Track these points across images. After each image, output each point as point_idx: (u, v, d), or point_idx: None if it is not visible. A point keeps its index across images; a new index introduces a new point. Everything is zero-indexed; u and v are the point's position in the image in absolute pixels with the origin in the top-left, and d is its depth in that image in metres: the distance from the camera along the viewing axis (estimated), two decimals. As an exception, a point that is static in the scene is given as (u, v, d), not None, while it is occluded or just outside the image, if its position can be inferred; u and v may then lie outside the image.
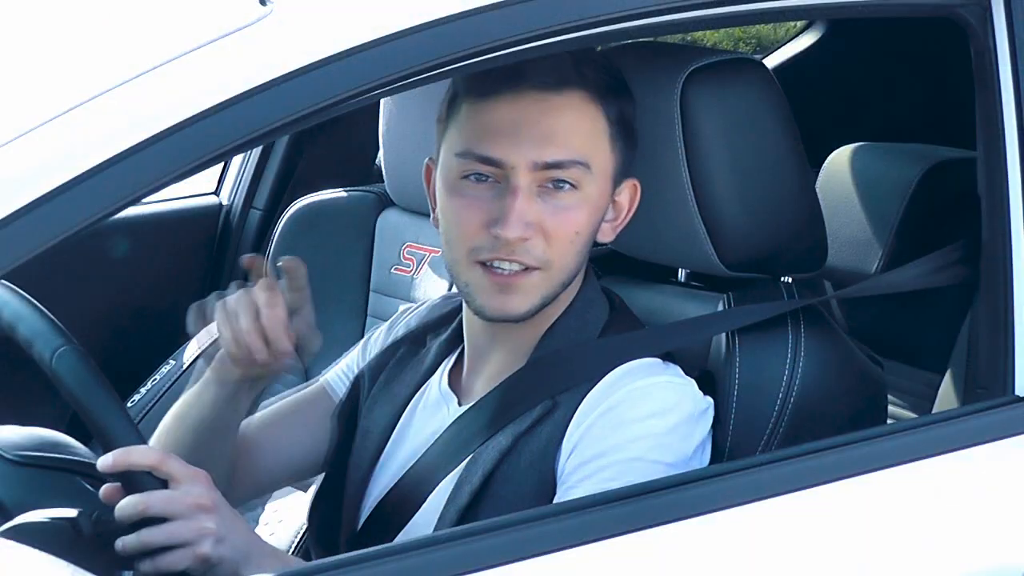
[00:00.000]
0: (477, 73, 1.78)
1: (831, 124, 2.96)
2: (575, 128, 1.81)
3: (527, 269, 1.81)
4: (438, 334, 2.01)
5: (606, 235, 1.89)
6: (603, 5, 1.66)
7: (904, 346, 2.50)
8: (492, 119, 1.80)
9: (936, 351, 2.41)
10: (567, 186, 1.81)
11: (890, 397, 2.08)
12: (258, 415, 2.07)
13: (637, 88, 1.89)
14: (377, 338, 2.09)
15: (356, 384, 2.04)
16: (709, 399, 1.84)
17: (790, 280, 1.98)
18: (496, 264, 1.80)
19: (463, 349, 1.96)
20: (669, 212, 1.93)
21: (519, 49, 1.63)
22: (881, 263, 2.45)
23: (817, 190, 2.23)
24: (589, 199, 1.82)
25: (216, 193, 3.44)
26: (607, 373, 1.82)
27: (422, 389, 1.97)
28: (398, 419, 1.97)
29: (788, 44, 3.89)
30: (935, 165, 2.49)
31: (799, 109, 2.00)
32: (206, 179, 3.46)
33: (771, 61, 3.84)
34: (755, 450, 1.85)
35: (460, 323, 1.97)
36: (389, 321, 2.12)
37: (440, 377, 1.96)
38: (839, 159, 2.60)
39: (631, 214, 1.90)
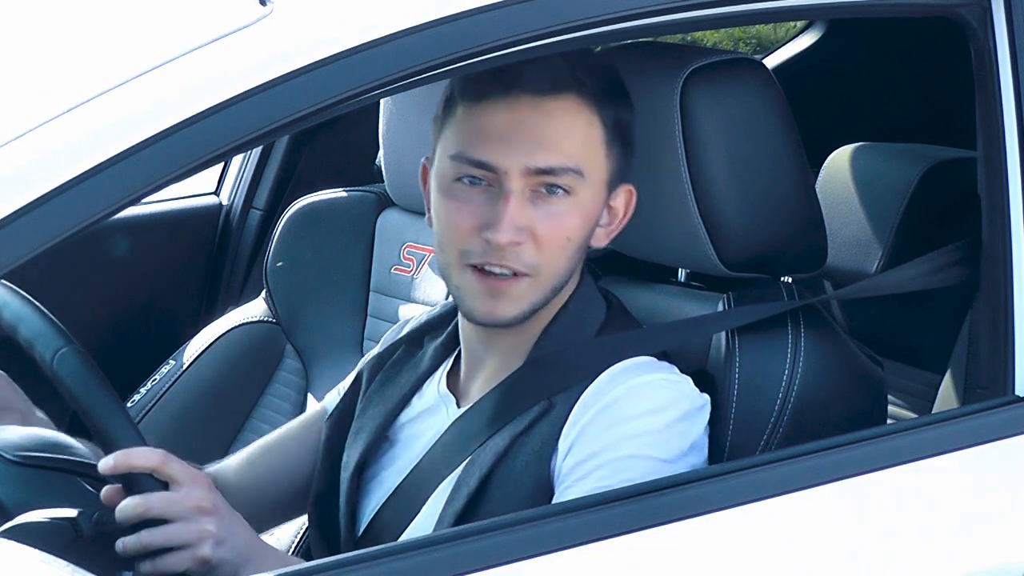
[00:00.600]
0: (473, 75, 1.78)
1: (831, 124, 2.96)
2: (569, 133, 1.80)
3: (516, 275, 1.80)
4: (434, 337, 2.02)
5: (600, 240, 1.89)
6: (603, 5, 1.66)
7: (904, 346, 2.50)
8: (486, 123, 1.80)
9: (936, 351, 2.41)
10: (560, 191, 1.80)
11: (890, 397, 2.08)
12: (259, 442, 2.08)
13: (637, 88, 1.89)
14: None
15: (354, 385, 2.04)
16: (705, 396, 1.84)
17: (790, 280, 1.98)
18: (487, 267, 1.80)
19: (460, 352, 1.96)
20: (669, 212, 1.93)
21: (519, 49, 1.63)
22: (881, 263, 2.45)
23: (817, 190, 2.23)
24: (582, 205, 1.82)
25: (216, 193, 3.44)
26: (603, 372, 1.82)
27: (419, 392, 1.97)
28: (391, 420, 1.96)
29: (788, 44, 3.89)
30: (935, 165, 2.49)
31: (799, 109, 2.00)
32: (206, 179, 3.45)
33: (771, 61, 3.84)
34: (755, 450, 1.84)
35: (456, 326, 1.97)
36: (383, 338, 2.12)
37: (439, 380, 1.96)
38: (839, 159, 2.60)
39: (626, 220, 1.90)
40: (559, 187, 1.80)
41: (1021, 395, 1.87)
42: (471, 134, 1.81)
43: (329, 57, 1.53)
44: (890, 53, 3.63)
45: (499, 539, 1.59)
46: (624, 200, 1.89)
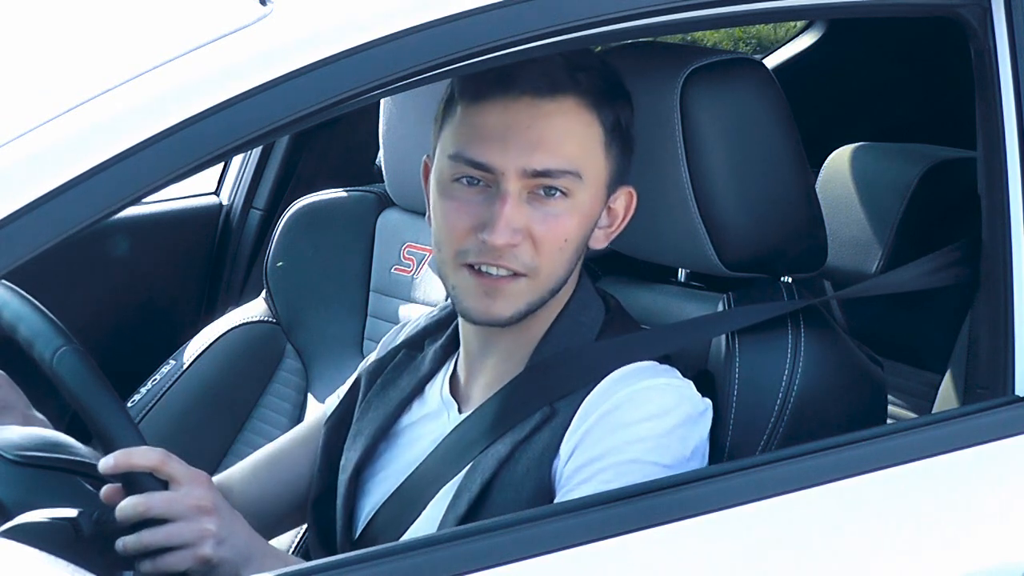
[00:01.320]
0: (472, 76, 1.78)
1: (831, 124, 2.96)
2: (567, 135, 1.80)
3: (514, 275, 1.80)
4: (435, 340, 2.01)
5: (599, 242, 1.88)
6: (603, 5, 1.66)
7: (904, 346, 2.50)
8: (484, 123, 1.80)
9: (936, 351, 2.41)
10: (557, 193, 1.80)
11: (890, 397, 2.08)
12: (263, 451, 2.09)
13: (636, 88, 1.89)
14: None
15: (352, 389, 2.04)
16: (708, 401, 1.84)
17: (790, 280, 1.99)
18: (483, 267, 1.80)
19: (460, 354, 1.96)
20: (669, 212, 1.93)
21: (519, 49, 1.63)
22: (881, 263, 2.45)
23: (817, 190, 2.23)
24: (580, 207, 1.82)
25: (216, 193, 3.44)
26: (605, 376, 1.82)
27: (421, 396, 1.97)
28: (391, 423, 1.96)
29: (788, 44, 3.89)
30: (935, 165, 2.49)
31: (799, 109, 2.00)
32: (206, 179, 3.45)
33: (771, 61, 3.84)
34: (755, 450, 1.85)
35: (456, 329, 1.97)
36: (382, 342, 2.12)
37: (442, 384, 1.96)
38: (839, 159, 2.60)
39: (626, 222, 1.90)
40: (556, 189, 1.80)
41: (1021, 395, 1.87)
42: (469, 134, 1.81)
43: (329, 57, 1.53)
44: (890, 53, 3.63)
45: (499, 539, 1.59)
46: (624, 202, 1.89)
